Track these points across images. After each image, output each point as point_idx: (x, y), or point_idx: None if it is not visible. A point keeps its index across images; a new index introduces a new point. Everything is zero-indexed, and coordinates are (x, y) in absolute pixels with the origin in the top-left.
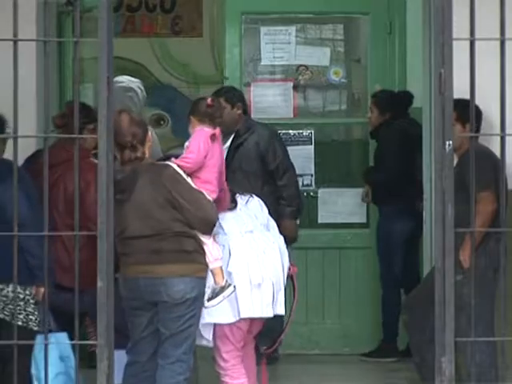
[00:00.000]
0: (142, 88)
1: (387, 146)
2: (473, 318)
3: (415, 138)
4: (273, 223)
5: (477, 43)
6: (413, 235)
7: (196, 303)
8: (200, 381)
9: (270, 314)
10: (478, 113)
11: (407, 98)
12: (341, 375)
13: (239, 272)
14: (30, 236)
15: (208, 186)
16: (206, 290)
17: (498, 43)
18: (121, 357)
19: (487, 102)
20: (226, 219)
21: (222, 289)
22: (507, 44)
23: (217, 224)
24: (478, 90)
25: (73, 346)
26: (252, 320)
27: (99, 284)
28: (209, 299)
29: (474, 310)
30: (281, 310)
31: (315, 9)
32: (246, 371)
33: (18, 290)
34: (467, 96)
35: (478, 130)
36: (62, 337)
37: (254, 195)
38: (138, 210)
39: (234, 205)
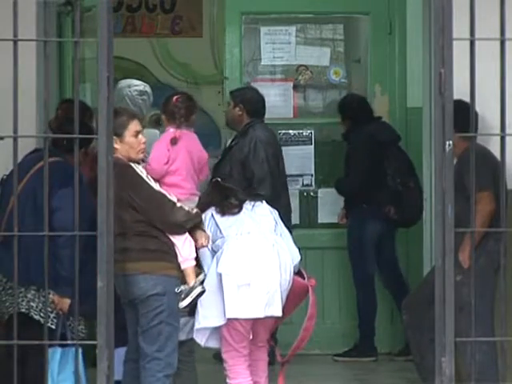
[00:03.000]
0: (151, 92)
1: (354, 151)
2: (473, 318)
3: (384, 143)
4: (284, 231)
5: (477, 43)
6: (383, 236)
7: (161, 300)
8: (200, 381)
9: (261, 315)
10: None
11: (363, 101)
12: (341, 375)
13: (228, 273)
14: (67, 247)
15: (176, 190)
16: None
17: (498, 43)
18: (121, 354)
19: (487, 102)
20: (227, 223)
21: (191, 289)
22: (507, 44)
23: (206, 226)
24: (478, 90)
25: (84, 358)
26: (255, 322)
27: (99, 284)
28: (181, 299)
29: (474, 310)
30: (276, 312)
31: (315, 9)
32: (258, 374)
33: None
34: (467, 96)
35: (475, 130)
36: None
37: (264, 201)
38: None
39: (237, 210)
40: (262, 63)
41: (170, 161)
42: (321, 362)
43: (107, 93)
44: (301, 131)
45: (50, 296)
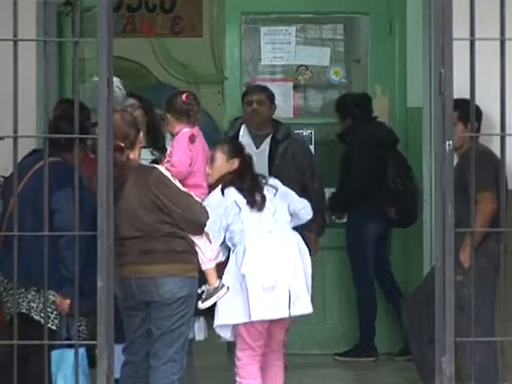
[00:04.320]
0: (121, 87)
1: (358, 152)
2: (473, 318)
3: (384, 143)
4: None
5: (477, 43)
6: (382, 236)
7: (187, 302)
8: (198, 381)
9: (285, 315)
10: (478, 113)
11: (364, 100)
12: (341, 375)
13: (252, 274)
14: (70, 248)
15: (198, 190)
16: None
17: (498, 43)
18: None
19: (487, 102)
20: (250, 220)
21: (216, 290)
22: (507, 44)
23: (225, 208)
24: (478, 90)
25: (89, 359)
26: (271, 322)
27: (99, 284)
28: (203, 300)
29: (474, 310)
30: (304, 310)
31: (315, 9)
32: (274, 377)
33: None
34: (467, 96)
35: (478, 129)
36: (83, 352)
37: (273, 178)
38: (126, 213)
39: (262, 205)
40: (262, 63)
41: (192, 162)
42: (321, 362)
43: (107, 93)
44: (301, 131)
45: (51, 297)
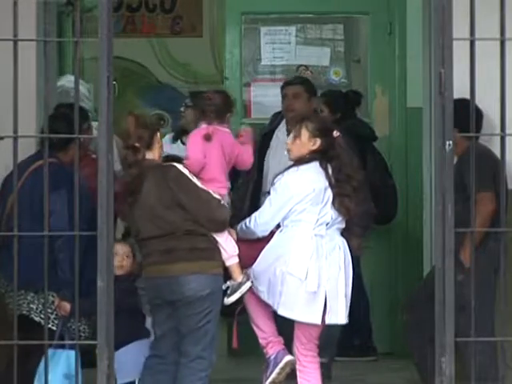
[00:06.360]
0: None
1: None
2: (473, 318)
3: (364, 139)
4: None
5: (477, 43)
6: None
7: (211, 300)
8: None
9: (316, 321)
10: (479, 114)
11: (356, 97)
12: (341, 375)
13: (296, 274)
14: (64, 250)
15: (215, 184)
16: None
17: (498, 43)
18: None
19: (487, 102)
20: (312, 216)
21: (240, 285)
22: (507, 44)
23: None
24: (478, 90)
25: (82, 363)
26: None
27: (99, 284)
28: (228, 296)
29: (474, 310)
30: (337, 320)
31: (315, 9)
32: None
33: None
34: (467, 96)
35: (477, 130)
36: (72, 354)
37: None
38: (147, 212)
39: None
40: (262, 63)
41: (207, 155)
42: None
43: (107, 93)
44: None
45: (50, 298)
